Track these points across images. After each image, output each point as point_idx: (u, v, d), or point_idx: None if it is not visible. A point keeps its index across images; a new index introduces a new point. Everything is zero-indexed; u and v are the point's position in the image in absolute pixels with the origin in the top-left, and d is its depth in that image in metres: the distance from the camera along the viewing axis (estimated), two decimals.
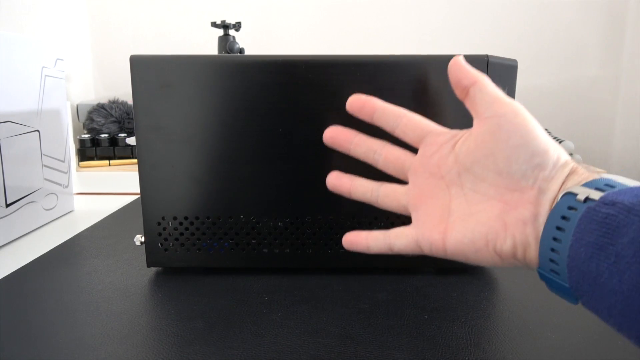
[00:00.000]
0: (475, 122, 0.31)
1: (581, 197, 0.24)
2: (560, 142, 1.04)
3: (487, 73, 0.39)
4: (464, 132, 0.31)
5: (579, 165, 0.28)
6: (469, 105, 0.31)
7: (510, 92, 0.40)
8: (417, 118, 0.33)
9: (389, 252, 0.33)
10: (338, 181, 0.36)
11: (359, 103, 0.33)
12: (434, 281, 0.41)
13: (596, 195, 0.24)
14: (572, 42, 1.28)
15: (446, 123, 0.39)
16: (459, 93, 0.32)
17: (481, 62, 0.38)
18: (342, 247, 0.42)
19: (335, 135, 0.35)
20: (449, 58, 0.39)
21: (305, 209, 0.41)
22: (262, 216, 0.41)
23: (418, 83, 0.39)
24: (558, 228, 0.25)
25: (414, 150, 0.34)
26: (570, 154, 1.04)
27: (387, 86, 0.39)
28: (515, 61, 0.40)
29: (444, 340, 0.32)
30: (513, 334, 0.33)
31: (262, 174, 0.40)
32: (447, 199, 0.31)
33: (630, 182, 0.25)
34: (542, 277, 0.27)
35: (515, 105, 0.29)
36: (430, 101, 0.39)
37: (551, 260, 0.25)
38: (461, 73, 0.31)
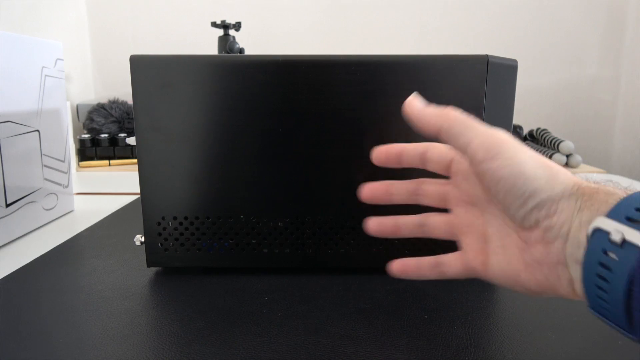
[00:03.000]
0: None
1: (616, 237, 0.21)
2: (560, 142, 1.04)
3: (487, 73, 0.39)
4: None
5: (585, 182, 0.25)
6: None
7: (510, 93, 0.40)
8: (439, 149, 0.31)
9: (442, 278, 0.32)
10: (381, 227, 0.34)
11: (383, 155, 0.33)
12: (434, 281, 0.41)
13: (634, 235, 0.21)
14: (572, 42, 1.28)
15: None
16: (428, 137, 0.30)
17: (481, 62, 0.38)
18: (342, 247, 0.42)
19: (372, 194, 0.34)
20: (449, 58, 0.39)
21: (305, 209, 0.41)
22: (262, 216, 0.41)
23: (418, 83, 0.39)
24: (600, 277, 0.22)
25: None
26: (570, 154, 1.04)
27: (387, 86, 0.39)
28: (515, 61, 0.40)
29: (444, 340, 0.32)
30: (513, 334, 0.33)
31: (262, 174, 0.40)
32: (483, 226, 0.30)
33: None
34: (594, 314, 0.25)
35: (494, 144, 0.26)
36: (430, 102, 0.39)
37: (599, 297, 0.23)
38: (420, 123, 0.29)
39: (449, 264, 0.31)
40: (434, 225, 0.33)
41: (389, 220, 0.34)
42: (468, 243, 0.30)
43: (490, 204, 0.29)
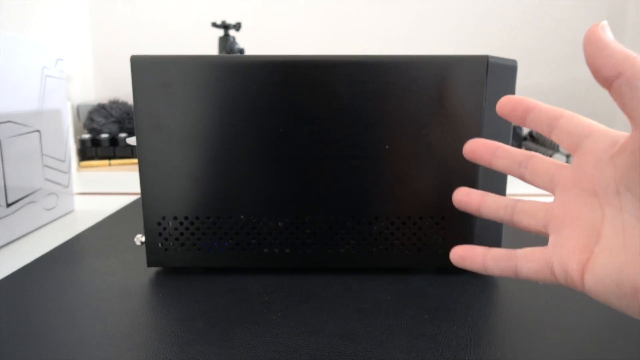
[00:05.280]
0: (631, 127, 0.23)
1: None
2: None
3: (487, 73, 0.39)
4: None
5: None
6: (615, 100, 0.24)
7: (510, 93, 0.40)
8: (576, 119, 0.27)
9: (513, 277, 0.28)
10: (466, 197, 0.31)
11: (510, 106, 0.28)
12: (434, 281, 0.41)
13: None
14: (572, 42, 1.28)
15: (447, 124, 0.40)
16: (599, 81, 0.24)
17: (481, 63, 0.38)
18: (342, 247, 0.42)
19: (475, 149, 0.30)
20: (449, 58, 0.39)
21: (305, 209, 0.41)
22: (262, 216, 0.41)
23: (418, 83, 0.39)
24: None
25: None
26: (570, 154, 1.04)
27: (387, 86, 0.39)
28: (515, 61, 0.40)
29: (444, 340, 0.32)
30: (513, 334, 0.33)
31: (262, 174, 0.40)
32: (598, 222, 0.24)
33: None
34: None
35: None
36: (430, 102, 0.39)
37: None
38: (599, 59, 0.23)
39: (526, 259, 0.27)
40: (522, 209, 0.29)
41: (477, 194, 0.31)
42: (571, 237, 0.25)
43: (619, 196, 0.24)
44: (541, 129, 0.28)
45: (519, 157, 0.29)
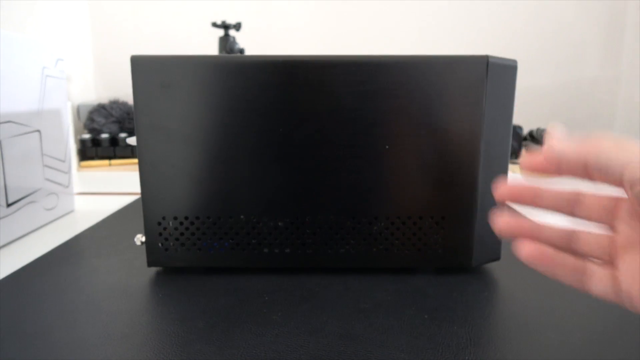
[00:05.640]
0: None
1: None
2: None
3: (487, 73, 0.39)
4: None
5: None
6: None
7: (510, 93, 0.40)
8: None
9: (580, 289, 0.27)
10: (514, 228, 0.28)
11: (537, 162, 0.26)
12: (434, 281, 0.41)
13: None
14: (572, 42, 1.28)
15: (447, 124, 0.40)
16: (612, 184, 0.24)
17: (481, 63, 0.38)
18: (342, 247, 0.42)
19: (511, 193, 0.28)
20: (449, 58, 0.39)
21: (305, 209, 0.41)
22: (262, 216, 0.41)
23: (418, 83, 0.39)
24: None
25: None
26: None
27: (387, 86, 0.39)
28: (515, 61, 0.40)
29: (444, 340, 0.32)
30: (513, 334, 0.33)
31: (262, 174, 0.40)
32: None
33: None
34: None
35: None
36: (430, 102, 0.39)
37: None
38: (562, 166, 0.25)
39: (595, 277, 0.26)
40: (587, 240, 0.28)
41: (525, 221, 0.28)
42: (629, 263, 0.25)
43: None
44: (577, 173, 0.26)
45: (566, 194, 0.28)
